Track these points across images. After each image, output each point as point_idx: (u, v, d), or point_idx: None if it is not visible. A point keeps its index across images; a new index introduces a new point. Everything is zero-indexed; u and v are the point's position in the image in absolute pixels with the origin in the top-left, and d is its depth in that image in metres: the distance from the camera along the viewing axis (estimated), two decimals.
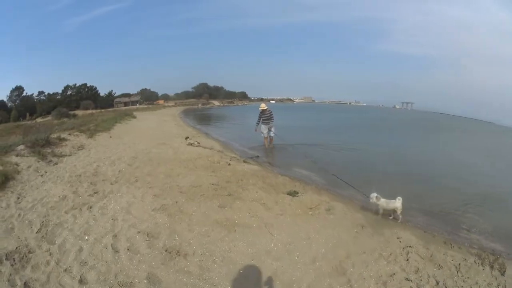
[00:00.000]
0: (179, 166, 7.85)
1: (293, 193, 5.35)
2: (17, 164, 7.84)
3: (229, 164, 7.88)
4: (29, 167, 7.99)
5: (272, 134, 10.87)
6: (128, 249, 3.82)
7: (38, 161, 8.64)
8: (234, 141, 13.68)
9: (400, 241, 3.88)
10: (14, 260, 3.87)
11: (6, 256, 3.98)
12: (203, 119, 33.49)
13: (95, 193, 6.09)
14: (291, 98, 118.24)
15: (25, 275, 3.43)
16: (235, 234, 4.09)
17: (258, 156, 9.54)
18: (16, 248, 4.18)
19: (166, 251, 3.74)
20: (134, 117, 29.48)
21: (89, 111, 47.43)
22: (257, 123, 10.99)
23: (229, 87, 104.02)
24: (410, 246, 3.69)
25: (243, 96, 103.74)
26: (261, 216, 4.57)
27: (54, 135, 12.18)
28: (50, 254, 3.87)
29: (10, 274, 3.56)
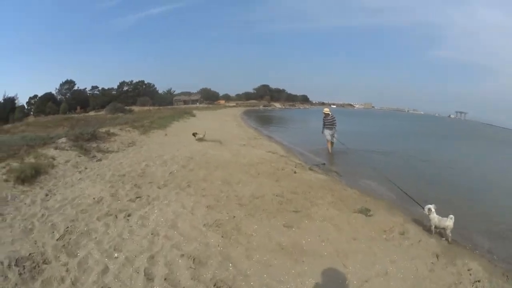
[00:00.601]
0: (239, 171, 9.69)
1: (365, 211, 6.89)
2: (53, 158, 10.12)
3: (295, 172, 9.89)
4: (67, 161, 10.17)
5: (334, 139, 16.17)
6: (165, 279, 4.33)
7: (79, 156, 11.07)
8: (297, 145, 18.60)
9: (470, 274, 5.05)
10: (24, 268, 4.57)
11: (16, 261, 4.73)
12: (265, 121, 47.35)
13: (137, 197, 7.36)
14: (352, 103, 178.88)
15: None
16: (303, 266, 4.80)
17: (324, 164, 12.88)
18: (30, 254, 4.92)
19: (215, 285, 4.20)
20: (194, 115, 40.74)
21: (146, 108, 66.72)
22: (322, 127, 16.57)
23: (290, 90, 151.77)
24: (478, 281, 4.90)
25: (304, 99, 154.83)
26: (332, 241, 5.51)
27: (103, 130, 15.94)
28: (67, 270, 4.56)
29: (16, 284, 4.21)
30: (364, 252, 5.26)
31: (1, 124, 34.17)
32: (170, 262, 4.72)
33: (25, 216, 6.51)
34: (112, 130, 16.34)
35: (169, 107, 74.57)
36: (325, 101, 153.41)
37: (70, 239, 5.51)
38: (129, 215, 6.38)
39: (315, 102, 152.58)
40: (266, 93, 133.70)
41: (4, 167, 8.80)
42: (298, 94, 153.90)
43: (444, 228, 6.24)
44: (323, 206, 7.01)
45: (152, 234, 5.55)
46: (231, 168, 9.97)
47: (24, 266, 4.70)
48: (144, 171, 9.76)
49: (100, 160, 11.33)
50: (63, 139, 12.22)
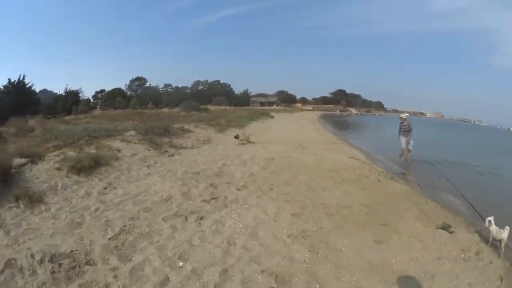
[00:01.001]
0: (323, 176, 9.91)
1: (447, 227, 7.08)
2: (118, 150, 10.74)
3: (379, 181, 10.11)
4: (133, 154, 10.73)
5: (410, 147, 16.89)
6: None
7: (149, 150, 11.72)
8: (375, 152, 19.77)
9: None
10: (59, 267, 4.61)
11: (51, 257, 4.81)
12: (342, 126, 51.57)
13: (212, 198, 7.46)
14: (423, 112, 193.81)
15: None
16: None
17: (404, 173, 13.56)
18: (71, 252, 5.00)
19: None
20: (272, 117, 44.52)
21: (222, 107, 73.00)
22: (398, 133, 17.37)
23: (365, 95, 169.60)
24: None
25: (379, 106, 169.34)
26: (420, 260, 5.53)
27: (176, 125, 16.93)
28: (116, 276, 4.48)
29: (44, 283, 4.22)
30: (448, 274, 5.35)
31: (63, 115, 37.07)
32: (247, 279, 4.54)
33: (74, 208, 6.74)
34: (186, 127, 17.41)
35: (246, 108, 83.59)
36: (398, 109, 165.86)
37: (125, 240, 5.50)
38: (201, 218, 6.33)
39: (389, 109, 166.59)
40: (343, 98, 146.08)
41: (58, 155, 9.36)
42: (373, 100, 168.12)
43: (500, 240, 6.39)
44: (410, 220, 7.17)
45: (227, 242, 5.46)
46: (314, 173, 10.25)
47: (60, 264, 4.72)
48: (221, 170, 10.04)
49: (172, 155, 11.85)
50: (132, 132, 13.04)
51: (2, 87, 43.82)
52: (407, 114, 20.26)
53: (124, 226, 5.97)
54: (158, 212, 6.62)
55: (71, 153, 9.56)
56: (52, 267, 4.64)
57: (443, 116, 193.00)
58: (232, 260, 4.92)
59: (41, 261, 4.77)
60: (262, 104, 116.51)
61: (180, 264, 4.79)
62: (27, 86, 45.89)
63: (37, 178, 8.34)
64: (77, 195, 7.50)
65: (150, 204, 7.00)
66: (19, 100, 40.91)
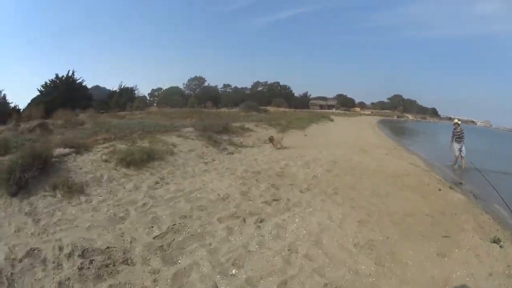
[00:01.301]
0: (385, 182, 9.74)
1: (497, 241, 6.78)
2: (174, 145, 10.78)
3: (440, 189, 9.72)
4: (190, 150, 10.72)
5: (462, 154, 17.07)
6: None
7: (207, 147, 11.76)
8: (431, 159, 19.41)
9: None
10: (90, 263, 4.41)
11: (83, 251, 4.64)
12: (400, 131, 52.49)
13: (274, 200, 7.22)
14: (473, 120, 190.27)
15: None
16: None
17: (461, 183, 12.91)
18: (107, 248, 4.78)
19: None
20: (331, 120, 46.08)
21: (282, 109, 75.29)
22: (451, 140, 17.59)
23: (421, 101, 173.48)
24: None
25: (433, 112, 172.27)
26: (475, 276, 5.31)
27: (236, 124, 17.23)
28: (155, 280, 4.21)
29: (67, 279, 4.10)
30: None
31: (117, 111, 38.72)
32: None
33: (119, 202, 6.63)
34: (247, 126, 17.83)
35: (305, 110, 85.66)
36: (451, 116, 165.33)
37: (173, 240, 5.23)
38: (261, 221, 6.07)
39: (443, 117, 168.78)
40: (399, 104, 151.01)
41: (107, 148, 9.45)
42: (428, 107, 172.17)
43: None
44: (469, 232, 6.84)
45: (289, 250, 5.13)
46: (377, 178, 10.09)
47: (92, 260, 4.50)
48: (283, 171, 9.92)
49: (231, 153, 11.93)
50: (189, 129, 13.24)
51: (49, 82, 45.37)
52: (459, 122, 19.31)
53: (173, 224, 5.73)
54: (213, 211, 6.37)
55: (121, 146, 9.65)
56: (81, 263, 4.44)
57: (491, 125, 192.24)
58: (293, 270, 4.56)
59: (70, 255, 4.63)
60: (321, 107, 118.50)
61: (233, 271, 4.44)
62: (78, 81, 47.62)
63: (80, 168, 8.38)
64: (124, 188, 7.42)
65: (205, 203, 6.76)
66: (67, 95, 42.45)
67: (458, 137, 17.00)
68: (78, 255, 4.62)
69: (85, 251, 4.71)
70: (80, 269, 4.31)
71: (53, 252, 4.82)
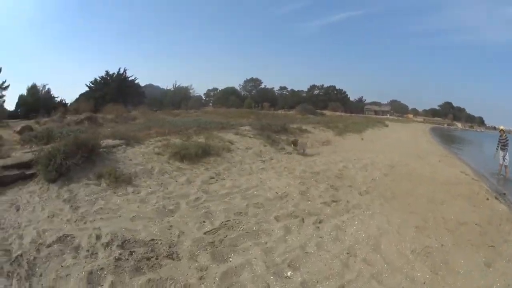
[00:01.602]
0: (439, 189, 9.46)
1: None
2: (231, 142, 10.89)
3: (487, 199, 9.32)
4: (248, 148, 10.77)
5: (506, 162, 16.71)
6: None
7: (265, 145, 11.86)
8: (479, 167, 18.45)
9: None
10: (130, 254, 4.30)
11: (123, 242, 4.57)
12: (449, 139, 51.23)
13: (333, 201, 7.13)
14: None
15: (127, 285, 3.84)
16: None
17: (505, 194, 12.12)
18: (151, 240, 4.69)
19: None
20: (386, 125, 46.34)
21: (338, 113, 75.17)
22: (496, 148, 17.29)
23: (470, 109, 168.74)
24: None
25: (480, 121, 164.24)
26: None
27: (294, 125, 17.50)
28: (202, 278, 4.01)
29: (101, 268, 3.99)
30: None
31: (171, 109, 39.78)
32: None
33: (170, 195, 6.57)
34: (304, 127, 18.08)
35: (361, 115, 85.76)
36: (496, 126, 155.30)
37: (226, 236, 5.07)
38: (320, 222, 5.91)
39: (489, 126, 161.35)
40: (449, 111, 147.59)
41: (160, 141, 9.61)
42: (476, 116, 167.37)
43: None
44: (511, 243, 6.54)
45: (347, 253, 4.93)
46: (431, 184, 9.74)
47: (132, 251, 4.40)
48: (341, 173, 9.88)
49: (289, 153, 11.89)
50: (247, 127, 13.35)
51: (98, 78, 46.99)
52: (505, 129, 18.70)
53: (227, 220, 5.60)
54: (270, 209, 6.22)
55: (176, 140, 9.78)
56: (120, 254, 4.35)
57: None
58: (351, 275, 4.36)
59: (108, 245, 4.61)
60: (376, 112, 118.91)
61: (289, 273, 4.22)
62: (130, 79, 48.91)
63: (130, 160, 8.52)
64: (176, 181, 7.41)
65: (262, 200, 6.64)
66: (119, 91, 43.66)
67: (503, 144, 16.63)
68: (117, 246, 4.56)
69: (126, 242, 4.67)
70: (117, 260, 4.21)
71: (88, 240, 4.83)
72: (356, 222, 5.94)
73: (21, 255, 4.63)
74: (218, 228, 5.21)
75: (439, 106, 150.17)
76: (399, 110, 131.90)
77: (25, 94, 36.77)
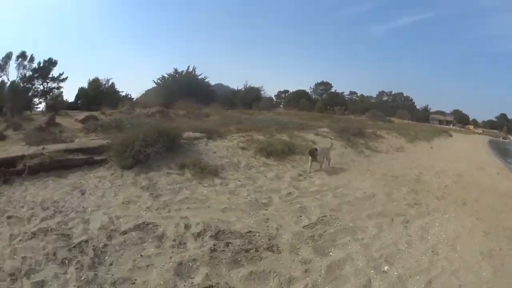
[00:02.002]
0: (498, 200, 9.38)
1: None
2: (313, 142, 11.05)
3: None
4: (328, 148, 10.82)
5: None
6: None
7: (345, 148, 12.05)
8: None
9: None
10: (226, 246, 4.29)
11: (217, 233, 4.59)
12: (504, 152, 49.10)
13: (415, 204, 7.35)
14: None
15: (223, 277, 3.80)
16: None
17: None
18: (248, 232, 4.71)
19: None
20: (451, 135, 44.80)
21: (405, 121, 73.21)
22: None
23: None
24: None
25: None
26: None
27: (369, 130, 17.42)
28: (307, 270, 4.00)
29: (192, 260, 3.93)
30: None
31: (243, 109, 39.46)
32: None
33: (260, 189, 6.80)
34: (378, 132, 18.15)
35: (426, 124, 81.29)
36: None
37: (324, 231, 5.11)
38: (407, 222, 6.10)
39: None
40: (504, 123, 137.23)
41: (243, 137, 9.84)
42: None
43: None
44: None
45: (432, 251, 5.09)
46: (493, 196, 9.68)
47: (228, 243, 4.39)
48: (418, 178, 10.05)
49: (368, 156, 12.03)
50: (325, 129, 13.49)
51: (166, 75, 46.87)
52: None
53: (323, 216, 5.67)
54: (361, 208, 6.37)
55: (259, 136, 10.00)
56: (214, 244, 4.33)
57: None
58: (436, 271, 4.52)
59: (199, 235, 4.62)
60: (440, 122, 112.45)
61: (385, 268, 4.33)
62: (199, 77, 48.58)
63: (214, 152, 8.69)
64: (265, 176, 7.60)
65: (351, 199, 6.81)
66: (188, 89, 42.02)
67: None
68: (210, 236, 4.58)
69: (220, 232, 4.70)
70: (212, 251, 4.21)
71: (175, 230, 4.80)
72: (436, 224, 6.15)
73: (85, 241, 4.58)
74: (315, 223, 5.26)
75: (496, 117, 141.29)
76: (461, 120, 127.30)
77: (86, 87, 37.29)
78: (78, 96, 36.55)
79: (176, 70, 47.82)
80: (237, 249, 4.28)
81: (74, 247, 4.44)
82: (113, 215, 5.34)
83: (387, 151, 14.34)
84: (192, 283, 3.71)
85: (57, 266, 4.11)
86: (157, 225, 4.94)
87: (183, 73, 46.79)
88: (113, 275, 3.90)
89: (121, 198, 6.20)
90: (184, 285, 3.69)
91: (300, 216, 5.53)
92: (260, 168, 8.23)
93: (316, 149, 9.91)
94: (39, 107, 31.07)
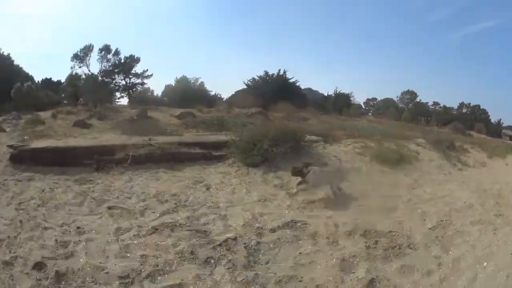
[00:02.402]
0: None
1: None
2: (417, 152, 11.53)
3: None
4: (430, 160, 11.41)
5: None
6: None
7: (442, 160, 12.26)
8: None
9: None
10: (376, 244, 4.95)
11: (364, 232, 5.20)
12: None
13: (499, 215, 7.49)
14: None
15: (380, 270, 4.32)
16: None
17: None
18: (389, 232, 5.37)
19: None
20: None
21: (483, 135, 67.33)
22: None
23: None
24: None
25: None
26: None
27: (457, 143, 17.32)
28: (440, 264, 4.62)
29: (353, 256, 4.56)
30: None
31: (337, 115, 38.79)
32: None
33: (384, 194, 7.32)
34: (465, 146, 18.10)
35: (499, 140, 72.94)
36: None
37: (444, 233, 5.76)
38: (495, 230, 6.38)
39: None
40: None
41: (356, 143, 10.65)
42: None
43: None
44: None
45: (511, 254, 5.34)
46: None
47: (377, 241, 5.04)
48: (499, 193, 9.88)
49: (460, 169, 12.34)
50: (421, 140, 13.93)
51: (257, 77, 46.08)
52: None
53: (440, 221, 6.21)
54: (465, 215, 6.83)
55: (371, 144, 10.60)
56: (366, 242, 4.93)
57: None
58: None
59: (350, 233, 5.18)
60: (510, 138, 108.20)
61: (484, 264, 4.74)
62: (290, 81, 46.79)
63: (335, 156, 9.26)
64: (385, 182, 8.12)
65: (457, 207, 7.23)
66: (279, 92, 40.10)
67: None
68: (360, 235, 5.14)
69: (367, 232, 5.25)
70: (368, 248, 4.76)
71: (326, 228, 5.31)
72: None
73: (233, 238, 4.72)
74: (436, 226, 5.89)
75: None
76: None
77: (172, 84, 38.60)
78: (163, 93, 38.47)
79: (266, 72, 46.78)
80: (385, 246, 4.87)
81: (220, 245, 4.57)
82: (256, 212, 5.71)
83: (474, 165, 14.42)
84: (357, 277, 4.07)
85: (197, 266, 4.12)
86: (306, 224, 5.38)
87: (274, 76, 45.96)
88: (275, 273, 4.02)
89: (255, 195, 6.60)
90: (351, 279, 4.03)
91: (424, 220, 6.15)
92: (378, 174, 8.68)
93: (303, 169, 7.54)
94: (119, 101, 33.34)
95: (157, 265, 3.98)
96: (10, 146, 8.52)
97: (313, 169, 7.33)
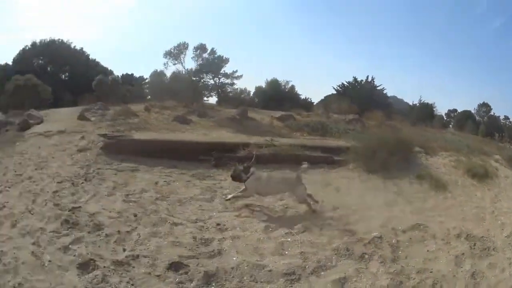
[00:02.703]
0: None
1: None
2: (496, 169, 11.71)
3: None
4: (506, 177, 11.47)
5: None
6: None
7: None
8: None
9: None
10: (474, 246, 5.77)
11: (467, 236, 6.04)
12: None
13: None
14: None
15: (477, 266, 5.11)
16: None
17: None
18: (482, 237, 6.05)
19: None
20: None
21: None
22: None
23: None
24: None
25: None
26: None
27: None
28: (510, 264, 5.36)
29: (462, 254, 5.48)
30: None
31: (424, 125, 37.45)
32: None
33: (477, 205, 8.09)
34: None
35: None
36: None
37: None
38: None
39: None
40: None
41: (450, 156, 11.18)
42: None
43: None
44: None
45: None
46: None
47: (475, 243, 5.91)
48: None
49: None
50: (498, 156, 13.65)
51: (346, 83, 45.65)
52: None
53: None
54: None
55: (462, 157, 11.29)
56: (469, 243, 5.78)
57: None
58: None
59: (458, 236, 6.02)
60: None
61: None
62: (377, 88, 46.62)
63: (437, 168, 9.94)
64: (476, 195, 8.74)
65: None
66: (367, 99, 40.69)
67: None
68: (464, 238, 5.89)
69: (469, 235, 5.99)
70: (471, 248, 5.54)
71: (441, 231, 6.01)
72: None
73: (379, 237, 5.41)
74: (509, 235, 6.46)
75: None
76: None
77: (263, 86, 38.50)
78: (254, 94, 38.74)
79: (355, 78, 46.08)
80: (480, 248, 5.59)
81: (369, 242, 5.26)
82: (384, 215, 6.42)
83: None
84: (466, 269, 4.96)
85: (353, 261, 4.67)
86: (427, 226, 6.12)
87: (363, 82, 45.71)
88: (414, 266, 4.80)
89: (381, 200, 7.25)
90: (461, 271, 4.92)
91: (502, 229, 6.70)
92: (470, 187, 9.14)
93: (243, 171, 6.57)
94: (207, 100, 33.02)
95: (319, 262, 4.42)
96: (103, 135, 8.98)
97: (256, 174, 6.42)
